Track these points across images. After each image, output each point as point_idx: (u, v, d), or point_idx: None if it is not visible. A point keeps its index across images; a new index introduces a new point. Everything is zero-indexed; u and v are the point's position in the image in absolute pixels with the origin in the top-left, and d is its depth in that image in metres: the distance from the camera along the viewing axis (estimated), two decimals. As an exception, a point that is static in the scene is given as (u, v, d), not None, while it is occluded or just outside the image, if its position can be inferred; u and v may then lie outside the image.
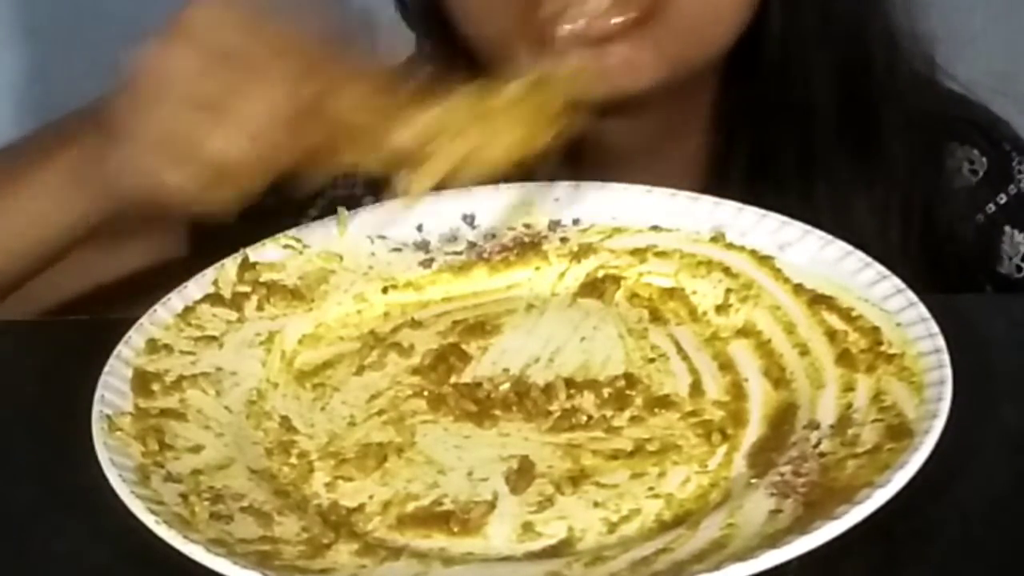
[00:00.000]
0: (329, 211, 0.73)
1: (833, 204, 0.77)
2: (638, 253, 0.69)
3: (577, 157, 0.77)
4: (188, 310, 0.66)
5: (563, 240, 0.71)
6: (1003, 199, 0.88)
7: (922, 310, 0.61)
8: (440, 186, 0.65)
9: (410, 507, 0.55)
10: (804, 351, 0.62)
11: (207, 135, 0.63)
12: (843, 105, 0.83)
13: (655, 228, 0.70)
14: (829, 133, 0.83)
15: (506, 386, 0.62)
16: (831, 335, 0.62)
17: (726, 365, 0.63)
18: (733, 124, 0.86)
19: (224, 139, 0.63)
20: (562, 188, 0.73)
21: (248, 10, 0.65)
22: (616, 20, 0.75)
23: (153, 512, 0.52)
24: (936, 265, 0.85)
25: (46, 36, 1.46)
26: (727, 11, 0.80)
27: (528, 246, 0.71)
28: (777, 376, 0.62)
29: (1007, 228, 0.88)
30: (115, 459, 0.55)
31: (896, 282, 0.63)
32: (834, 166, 0.83)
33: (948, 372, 0.56)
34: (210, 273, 0.68)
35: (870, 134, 0.84)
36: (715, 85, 0.86)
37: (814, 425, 0.58)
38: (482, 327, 0.66)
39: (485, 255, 0.71)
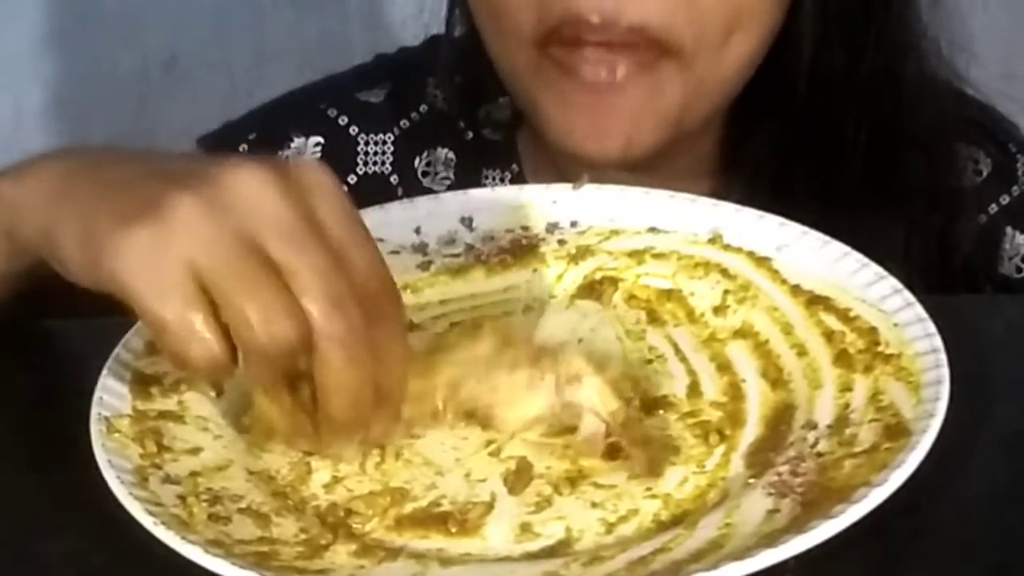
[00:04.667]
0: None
1: (853, 231, 0.77)
2: (636, 255, 0.69)
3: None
4: (187, 312, 0.65)
5: (561, 242, 0.71)
6: (1006, 200, 0.89)
7: (919, 310, 0.61)
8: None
9: (408, 508, 0.55)
10: (802, 352, 0.62)
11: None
12: (871, 141, 0.83)
13: (653, 230, 0.70)
14: (854, 168, 0.83)
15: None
16: (829, 335, 0.62)
17: (724, 366, 0.63)
18: (749, 157, 0.85)
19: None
20: (559, 190, 0.73)
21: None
22: (623, 70, 0.75)
23: (151, 513, 0.52)
24: (943, 268, 0.85)
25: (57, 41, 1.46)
26: (738, 67, 0.79)
27: (526, 248, 0.71)
28: (775, 377, 0.62)
29: (1008, 229, 0.88)
30: (113, 461, 0.55)
31: (893, 282, 0.63)
32: (856, 197, 0.83)
33: (945, 372, 0.56)
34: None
35: (895, 167, 0.84)
36: (725, 122, 0.86)
37: (812, 425, 0.58)
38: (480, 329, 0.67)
39: (483, 257, 0.71)
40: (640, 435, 0.57)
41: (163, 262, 0.52)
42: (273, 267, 0.52)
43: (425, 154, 0.91)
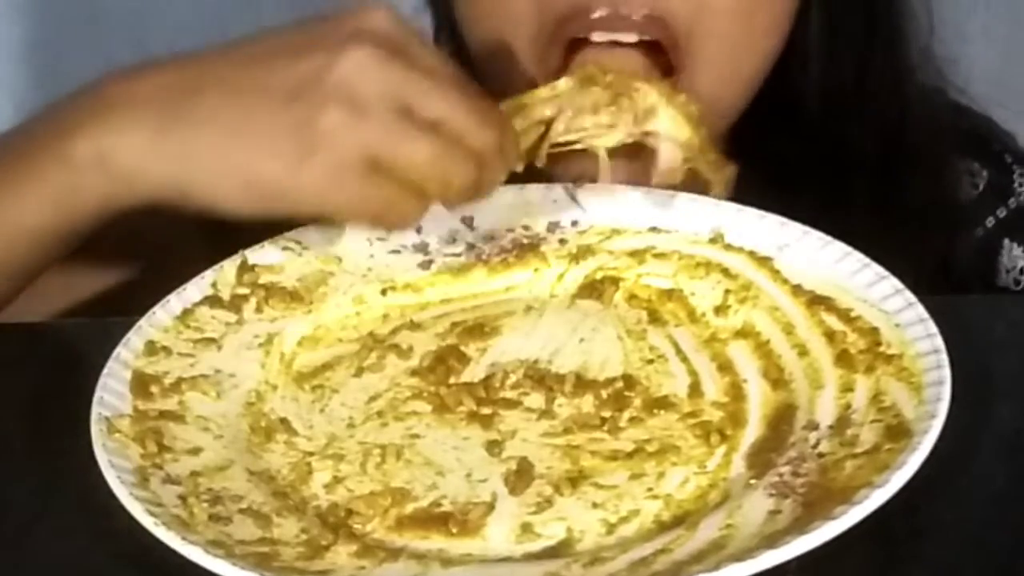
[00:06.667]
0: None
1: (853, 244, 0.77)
2: (637, 254, 0.69)
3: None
4: (187, 312, 0.66)
5: (562, 242, 0.71)
6: (1003, 212, 0.88)
7: (920, 311, 0.61)
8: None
9: (409, 508, 0.55)
10: (803, 352, 0.62)
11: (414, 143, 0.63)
12: (878, 157, 0.83)
13: (654, 229, 0.70)
14: (858, 187, 0.83)
15: (505, 388, 0.62)
16: (830, 336, 0.62)
17: (725, 366, 0.63)
18: (752, 178, 0.85)
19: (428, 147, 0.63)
20: (560, 190, 0.73)
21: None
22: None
23: (152, 514, 0.52)
24: (940, 282, 0.84)
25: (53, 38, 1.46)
26: (746, 76, 0.78)
27: (527, 248, 0.71)
28: (776, 377, 0.62)
29: (1006, 241, 0.88)
30: (114, 461, 0.55)
31: (895, 283, 0.63)
32: (859, 215, 0.82)
33: (947, 372, 0.56)
34: (209, 275, 0.68)
35: (897, 184, 0.84)
36: (728, 143, 0.85)
37: (813, 426, 0.58)
38: (481, 329, 0.67)
39: (484, 257, 0.71)
40: (715, 158, 0.60)
41: (343, 175, 0.62)
42: (428, 123, 0.62)
43: None
